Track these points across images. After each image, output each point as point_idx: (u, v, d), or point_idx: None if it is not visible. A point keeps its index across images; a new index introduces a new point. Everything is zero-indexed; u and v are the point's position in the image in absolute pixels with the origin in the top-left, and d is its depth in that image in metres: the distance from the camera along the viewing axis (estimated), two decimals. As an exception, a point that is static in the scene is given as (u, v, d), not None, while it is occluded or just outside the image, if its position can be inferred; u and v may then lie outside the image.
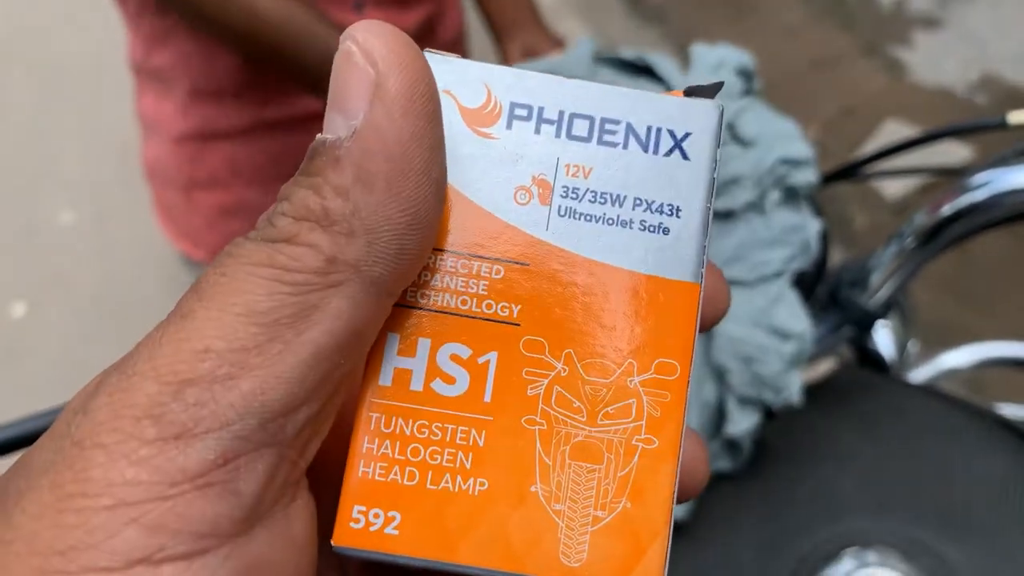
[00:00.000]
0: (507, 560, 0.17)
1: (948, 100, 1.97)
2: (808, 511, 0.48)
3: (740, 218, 0.48)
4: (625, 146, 0.19)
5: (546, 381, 0.18)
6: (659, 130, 0.19)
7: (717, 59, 0.53)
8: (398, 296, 0.17)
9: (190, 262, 0.86)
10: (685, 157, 0.19)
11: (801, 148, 0.49)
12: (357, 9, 0.72)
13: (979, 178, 0.45)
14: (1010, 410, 0.64)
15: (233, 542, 0.14)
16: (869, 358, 0.60)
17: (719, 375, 0.47)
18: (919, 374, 0.73)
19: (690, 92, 0.19)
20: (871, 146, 1.80)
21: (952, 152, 1.76)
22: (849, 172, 0.50)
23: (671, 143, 0.19)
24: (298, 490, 0.16)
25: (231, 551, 0.14)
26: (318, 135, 0.16)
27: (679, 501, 0.19)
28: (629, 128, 0.19)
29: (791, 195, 0.50)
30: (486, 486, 0.18)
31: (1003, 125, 0.45)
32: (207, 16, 0.61)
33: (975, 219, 0.45)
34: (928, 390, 0.53)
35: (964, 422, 0.50)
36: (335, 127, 0.15)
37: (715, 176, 0.19)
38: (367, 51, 0.15)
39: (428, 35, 0.79)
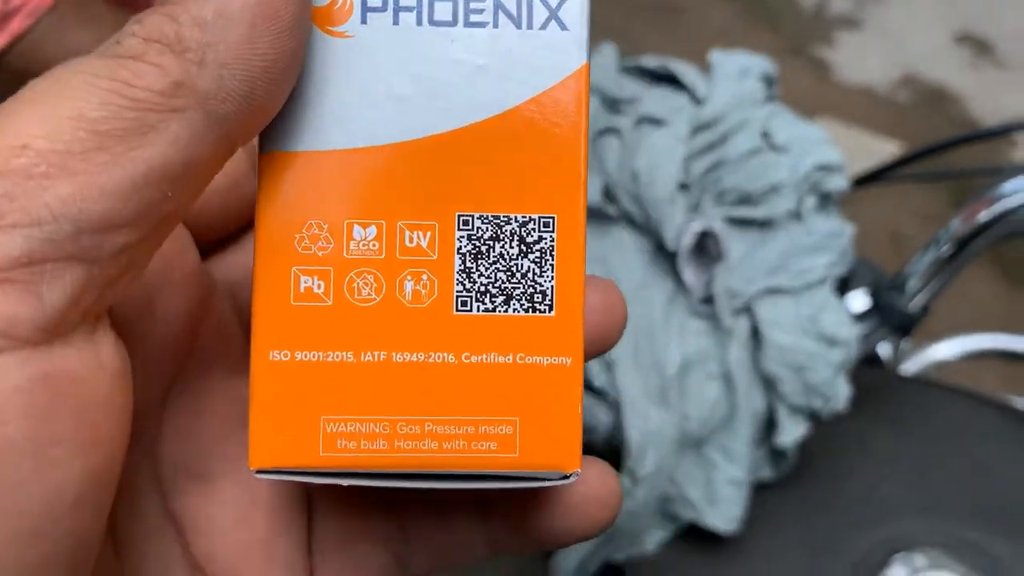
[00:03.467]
0: None
1: (872, 98, 2.04)
2: (852, 515, 0.48)
3: (780, 226, 0.48)
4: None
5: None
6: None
7: (739, 66, 0.53)
8: (237, 148, 0.16)
9: None
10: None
11: (833, 154, 0.49)
12: None
13: (1012, 185, 0.46)
14: None
15: (31, 349, 0.13)
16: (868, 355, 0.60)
17: (768, 384, 0.46)
18: (910, 367, 0.75)
19: None
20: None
21: (880, 149, 1.83)
22: (877, 176, 0.50)
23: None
24: (102, 322, 0.15)
25: (29, 356, 0.13)
26: None
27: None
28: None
29: (824, 201, 0.50)
30: None
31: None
32: None
33: (1009, 225, 0.46)
34: (953, 389, 0.54)
35: (995, 420, 0.51)
36: None
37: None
38: None
39: None
